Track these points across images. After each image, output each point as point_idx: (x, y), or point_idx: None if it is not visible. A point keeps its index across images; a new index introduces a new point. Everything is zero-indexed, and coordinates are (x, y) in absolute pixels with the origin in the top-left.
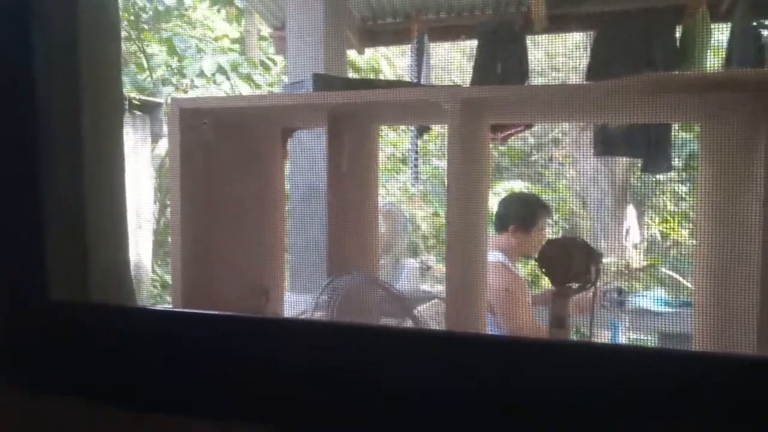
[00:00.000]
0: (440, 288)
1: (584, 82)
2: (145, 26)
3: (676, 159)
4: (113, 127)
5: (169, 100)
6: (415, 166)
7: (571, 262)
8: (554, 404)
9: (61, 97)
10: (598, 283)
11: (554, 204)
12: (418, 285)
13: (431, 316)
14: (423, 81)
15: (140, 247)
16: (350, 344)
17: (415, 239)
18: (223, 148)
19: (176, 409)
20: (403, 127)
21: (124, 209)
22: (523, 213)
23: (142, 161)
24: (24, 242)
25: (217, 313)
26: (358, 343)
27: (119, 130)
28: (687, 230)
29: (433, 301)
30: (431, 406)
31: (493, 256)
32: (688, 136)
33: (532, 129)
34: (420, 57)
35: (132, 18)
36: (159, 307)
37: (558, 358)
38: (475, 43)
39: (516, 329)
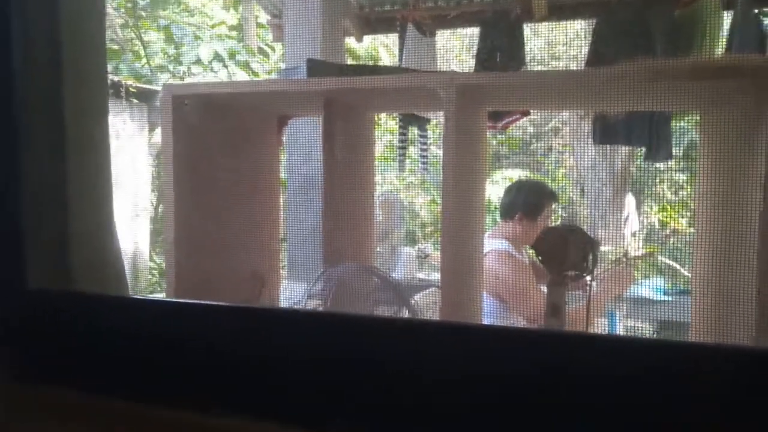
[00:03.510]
0: (437, 276)
1: (583, 68)
2: (143, 13)
3: (675, 148)
4: (97, 111)
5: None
6: (424, 156)
7: (568, 250)
8: (559, 396)
9: (42, 81)
10: (596, 271)
11: None
12: (415, 273)
13: (427, 304)
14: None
15: (138, 236)
16: (349, 335)
17: (413, 227)
18: (216, 136)
19: (163, 400)
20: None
21: (110, 196)
22: (530, 201)
23: (140, 149)
24: (3, 231)
25: (199, 302)
26: (358, 334)
27: (104, 115)
28: (685, 219)
29: (429, 289)
30: (434, 398)
31: (497, 244)
32: (686, 125)
33: (532, 118)
34: (402, 46)
35: (129, 5)
36: (140, 296)
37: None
38: (475, 31)
39: (527, 315)
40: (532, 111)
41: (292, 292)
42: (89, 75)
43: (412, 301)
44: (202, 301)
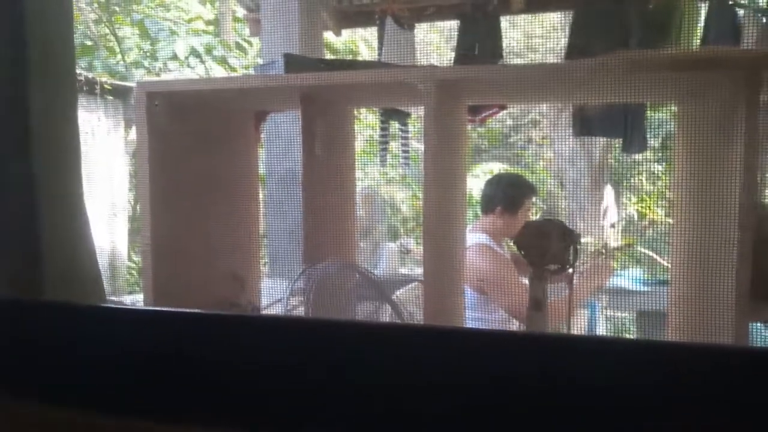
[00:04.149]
0: (420, 271)
1: (562, 61)
2: (116, 8)
3: (652, 139)
4: (66, 111)
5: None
6: (405, 150)
7: (549, 244)
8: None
9: (6, 81)
10: (577, 264)
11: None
12: (397, 268)
13: (409, 299)
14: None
15: (116, 235)
16: (325, 341)
17: (395, 222)
18: (192, 133)
19: (136, 412)
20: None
21: (82, 198)
22: (510, 194)
23: (116, 147)
24: None
25: (174, 309)
26: (335, 340)
27: (73, 115)
28: (663, 209)
29: (412, 284)
30: (416, 404)
31: (477, 238)
32: (663, 116)
33: (511, 111)
34: (380, 40)
35: (102, 0)
36: (112, 305)
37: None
38: (454, 24)
39: (509, 308)
40: (510, 103)
41: (272, 290)
42: (57, 74)
43: (394, 297)
44: (177, 309)
